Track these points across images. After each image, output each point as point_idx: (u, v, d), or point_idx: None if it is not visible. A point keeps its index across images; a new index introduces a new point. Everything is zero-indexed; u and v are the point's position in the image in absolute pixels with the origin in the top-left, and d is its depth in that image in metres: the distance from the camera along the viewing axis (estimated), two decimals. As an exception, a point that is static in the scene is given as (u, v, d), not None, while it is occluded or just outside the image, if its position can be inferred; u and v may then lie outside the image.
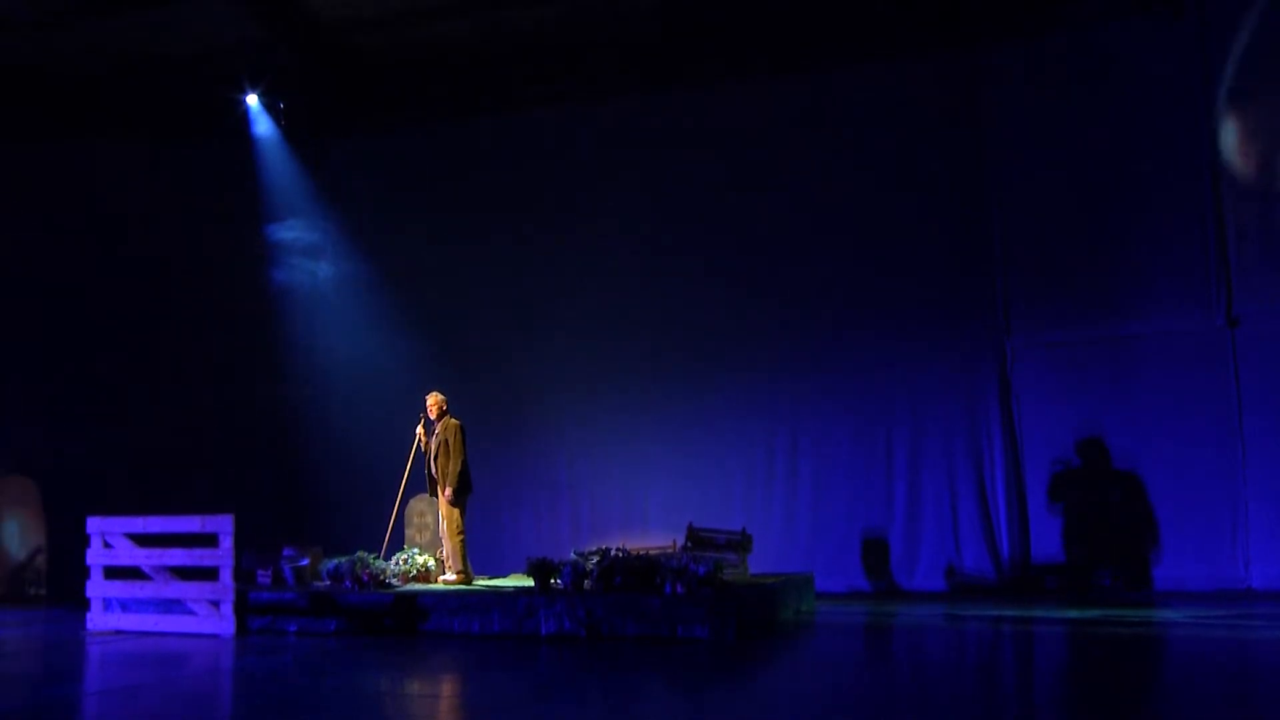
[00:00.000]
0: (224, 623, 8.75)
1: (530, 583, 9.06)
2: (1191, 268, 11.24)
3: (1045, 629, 8.66)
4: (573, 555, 9.39)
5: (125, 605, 9.27)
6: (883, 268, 12.17)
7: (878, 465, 12.01)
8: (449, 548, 9.93)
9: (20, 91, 13.27)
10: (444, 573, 10.03)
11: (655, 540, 10.79)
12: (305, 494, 13.34)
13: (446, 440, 9.91)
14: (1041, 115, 11.85)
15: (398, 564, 9.79)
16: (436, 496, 10.12)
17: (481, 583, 10.03)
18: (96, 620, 9.24)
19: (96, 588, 9.24)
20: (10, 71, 13.02)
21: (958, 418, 11.85)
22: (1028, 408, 11.67)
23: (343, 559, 9.46)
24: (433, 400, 10.14)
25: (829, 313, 12.32)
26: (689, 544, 10.05)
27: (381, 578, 9.40)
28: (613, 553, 8.75)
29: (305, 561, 9.71)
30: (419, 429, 10.20)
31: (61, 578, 12.50)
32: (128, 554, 9.21)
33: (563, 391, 13.00)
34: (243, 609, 8.90)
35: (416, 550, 10.19)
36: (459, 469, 9.88)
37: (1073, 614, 9.35)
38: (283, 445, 13.63)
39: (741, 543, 10.32)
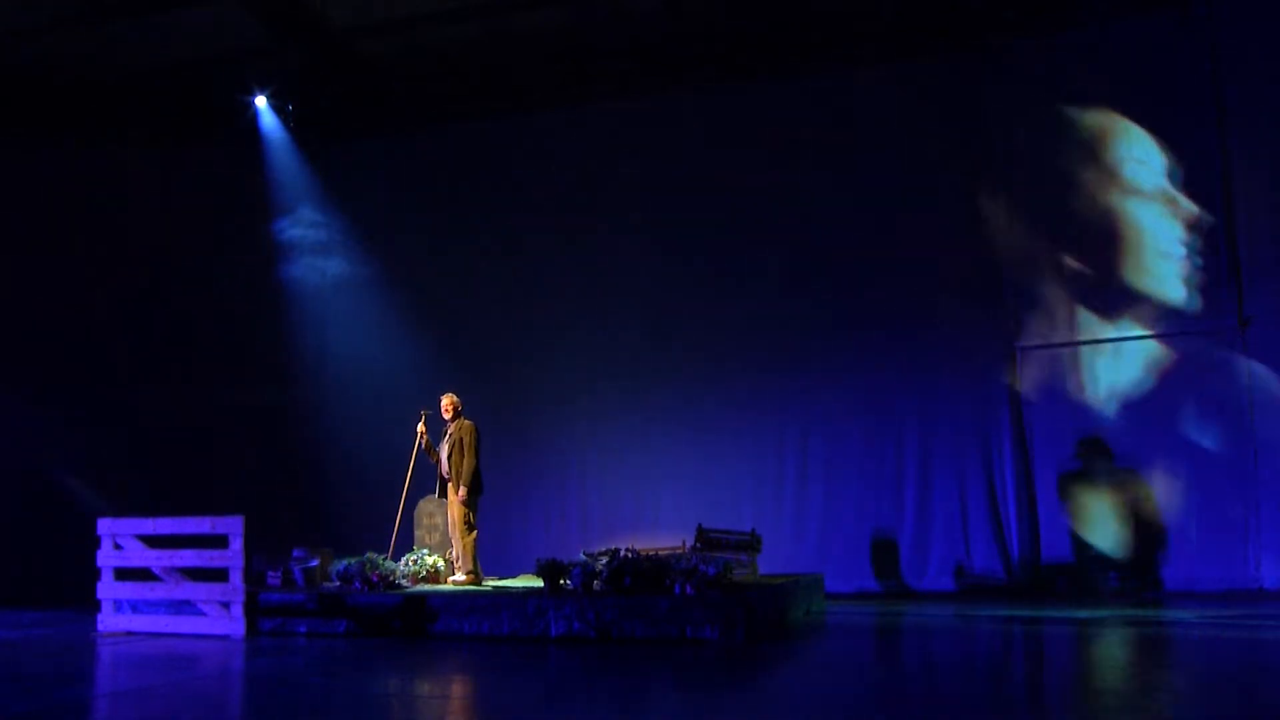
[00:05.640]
0: (234, 624, 8.76)
1: (540, 584, 9.07)
2: (1203, 268, 11.21)
3: (1056, 629, 8.64)
4: (582, 556, 9.38)
5: (136, 606, 9.29)
6: (893, 269, 12.16)
7: (887, 466, 12.00)
8: (459, 548, 9.94)
9: (29, 95, 13.32)
10: (453, 573, 10.04)
11: (665, 541, 10.79)
12: (315, 495, 13.38)
13: (461, 440, 9.94)
14: (1050, 116, 11.84)
15: (407, 565, 9.80)
16: (446, 497, 10.15)
17: (491, 584, 10.04)
18: (107, 621, 9.26)
19: (107, 589, 9.26)
20: (19, 75, 13.07)
21: (967, 419, 11.84)
22: (1037, 408, 11.66)
23: (352, 560, 9.47)
24: (448, 401, 10.16)
25: (839, 314, 12.32)
26: (698, 545, 10.04)
27: (391, 579, 9.40)
28: (622, 554, 8.74)
29: (315, 563, 9.73)
30: (420, 426, 10.22)
31: (68, 578, 12.52)
32: (138, 555, 9.23)
33: (572, 392, 13.01)
34: (253, 610, 8.92)
35: (426, 551, 10.20)
36: (472, 468, 9.91)
37: (1083, 614, 9.32)
38: (293, 446, 13.66)
39: (751, 543, 10.32)
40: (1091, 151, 11.66)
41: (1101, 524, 11.32)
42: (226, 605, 8.83)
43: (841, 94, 12.54)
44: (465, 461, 9.90)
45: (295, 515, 12.63)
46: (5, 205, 13.46)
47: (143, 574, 9.29)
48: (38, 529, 12.78)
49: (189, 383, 13.81)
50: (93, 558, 9.24)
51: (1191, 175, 11.30)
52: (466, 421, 10.09)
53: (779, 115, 12.70)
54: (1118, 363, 11.42)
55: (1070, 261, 11.70)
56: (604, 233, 13.16)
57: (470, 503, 9.95)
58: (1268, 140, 11.03)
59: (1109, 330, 11.49)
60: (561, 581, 8.81)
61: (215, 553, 8.89)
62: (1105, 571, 11.21)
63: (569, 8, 12.08)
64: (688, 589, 8.14)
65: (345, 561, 9.50)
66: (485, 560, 10.32)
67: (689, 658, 7.17)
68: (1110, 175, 11.59)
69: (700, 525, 10.27)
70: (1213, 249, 11.19)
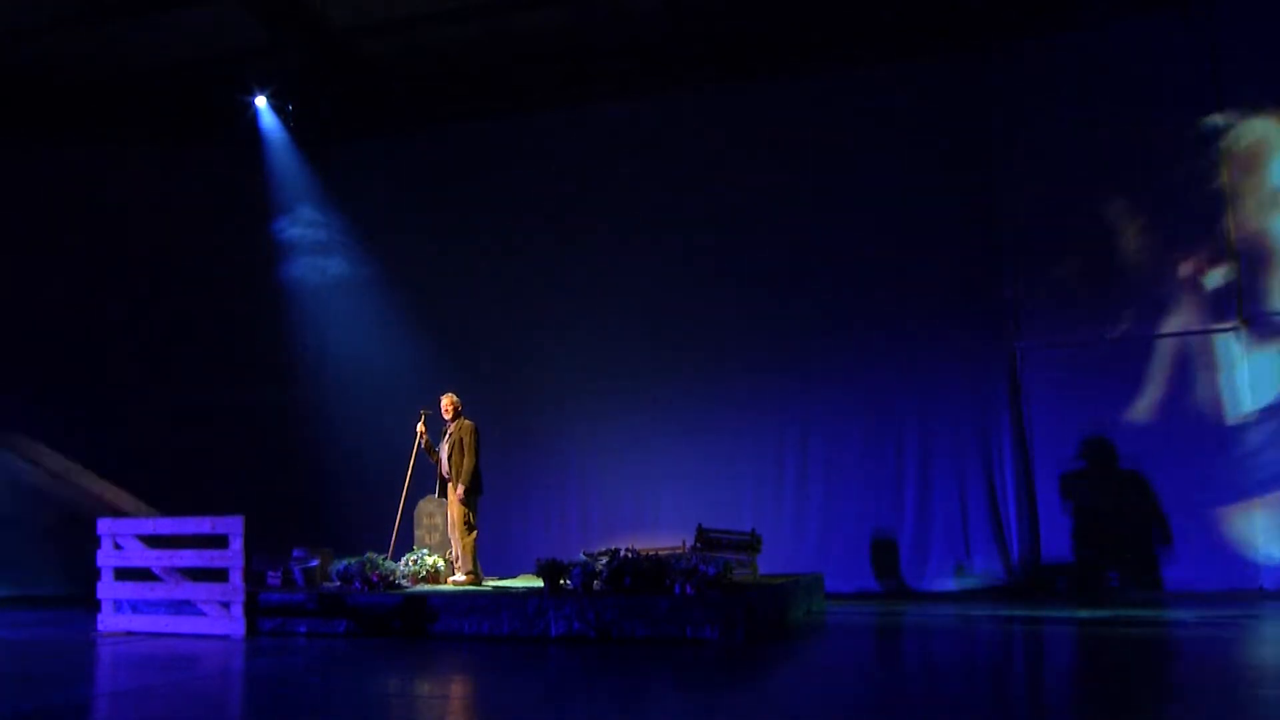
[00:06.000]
0: (234, 624, 8.76)
1: (540, 584, 9.06)
2: (1201, 268, 11.21)
3: (1056, 629, 8.64)
4: (582, 556, 9.38)
5: (136, 606, 9.29)
6: (893, 270, 12.17)
7: (888, 466, 12.00)
8: (459, 548, 9.94)
9: (29, 95, 13.33)
10: (453, 573, 10.04)
11: (665, 541, 10.79)
12: (315, 495, 13.38)
13: (461, 440, 9.94)
14: (1050, 116, 11.85)
15: (407, 565, 9.79)
16: (446, 497, 10.15)
17: (491, 584, 10.04)
18: (107, 621, 9.26)
19: (107, 589, 9.26)
20: (19, 75, 13.08)
21: (967, 419, 11.85)
22: (1037, 409, 11.66)
23: (352, 560, 9.46)
24: (447, 401, 10.16)
25: (839, 314, 12.33)
26: (698, 545, 10.04)
27: (391, 579, 9.40)
28: (622, 554, 8.73)
29: (315, 563, 9.72)
30: (420, 426, 10.22)
31: (68, 578, 12.53)
32: (138, 555, 9.23)
33: (572, 392, 13.01)
34: (253, 610, 8.91)
35: (426, 551, 10.19)
36: (472, 468, 9.91)
37: (1083, 614, 9.32)
38: (292, 446, 13.66)
39: (751, 543, 10.32)
40: (1091, 154, 11.65)
41: (1101, 524, 11.32)
42: (226, 605, 8.83)
43: (841, 94, 12.55)
44: (465, 461, 9.91)
45: (295, 515, 12.62)
46: (5, 205, 13.47)
47: (143, 574, 9.28)
48: (38, 529, 12.77)
49: (189, 383, 13.82)
50: (93, 558, 9.24)
51: (1190, 176, 11.30)
52: (467, 421, 10.09)
53: (779, 115, 12.70)
54: (1117, 362, 11.42)
55: (1070, 261, 11.70)
56: (604, 233, 13.16)
57: (470, 503, 9.95)
58: (1267, 139, 11.03)
59: (1108, 330, 11.49)
60: (561, 581, 8.80)
61: (215, 553, 8.88)
62: (1105, 571, 11.21)
63: (569, 8, 12.09)
64: (688, 589, 8.14)
65: (345, 561, 9.49)
66: (485, 560, 10.32)
67: (689, 658, 7.17)
68: (1110, 177, 11.59)
69: (700, 525, 10.27)
70: (1211, 249, 11.19)
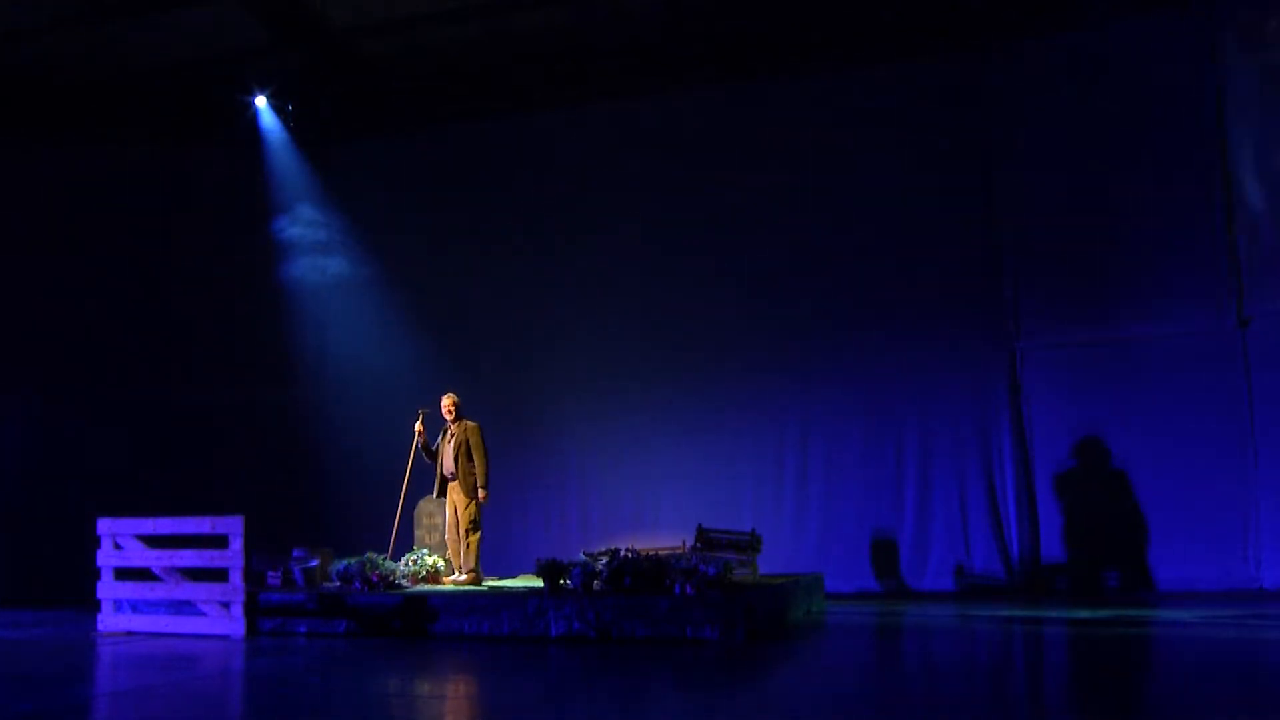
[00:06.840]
0: (234, 624, 8.76)
1: (539, 584, 9.07)
2: (1202, 268, 11.22)
3: (1056, 630, 8.64)
4: (582, 556, 9.39)
5: (136, 606, 9.30)
6: (893, 270, 12.17)
7: (888, 466, 12.00)
8: (462, 547, 9.94)
9: (29, 95, 13.32)
10: (453, 573, 10.04)
11: (665, 541, 10.79)
12: (315, 495, 13.38)
13: (468, 441, 9.95)
14: (1050, 116, 11.86)
15: (407, 565, 9.80)
16: (445, 497, 10.16)
17: (490, 584, 10.04)
18: (107, 621, 9.27)
19: (107, 589, 9.26)
20: (19, 75, 13.07)
21: (967, 419, 11.85)
22: (1037, 409, 11.66)
23: (352, 560, 9.47)
24: (448, 400, 10.16)
25: (839, 314, 12.33)
26: (698, 545, 10.05)
27: (391, 579, 9.41)
28: (622, 553, 8.74)
29: (315, 563, 9.72)
30: (418, 425, 10.21)
31: (69, 579, 12.52)
32: (138, 555, 9.23)
33: (572, 392, 13.01)
34: (253, 610, 8.92)
35: (426, 551, 10.20)
36: (487, 470, 9.93)
37: (1083, 614, 9.32)
38: (293, 446, 13.66)
39: (751, 543, 10.32)
40: (1091, 153, 11.64)
41: (1102, 524, 11.31)
42: (226, 605, 8.83)
43: (841, 94, 12.54)
44: (478, 464, 9.93)
45: (295, 515, 12.63)
46: (5, 205, 13.46)
47: (143, 574, 9.29)
48: (38, 529, 12.78)
49: (189, 383, 13.81)
50: (93, 558, 9.24)
51: (1190, 175, 11.30)
52: (471, 423, 10.09)
53: (779, 115, 12.70)
54: (1117, 363, 11.42)
55: (1070, 261, 11.69)
56: (604, 233, 13.16)
57: (478, 503, 9.97)
58: (1267, 140, 11.03)
59: (1108, 331, 11.48)
60: (561, 581, 8.81)
61: (215, 553, 8.89)
62: (1105, 571, 11.21)
63: (569, 8, 12.08)
64: (688, 589, 8.14)
65: (345, 561, 9.49)
66: (485, 560, 10.32)
67: (689, 658, 7.17)
68: (1110, 176, 11.59)
69: (700, 525, 10.27)
70: (1212, 249, 11.19)
